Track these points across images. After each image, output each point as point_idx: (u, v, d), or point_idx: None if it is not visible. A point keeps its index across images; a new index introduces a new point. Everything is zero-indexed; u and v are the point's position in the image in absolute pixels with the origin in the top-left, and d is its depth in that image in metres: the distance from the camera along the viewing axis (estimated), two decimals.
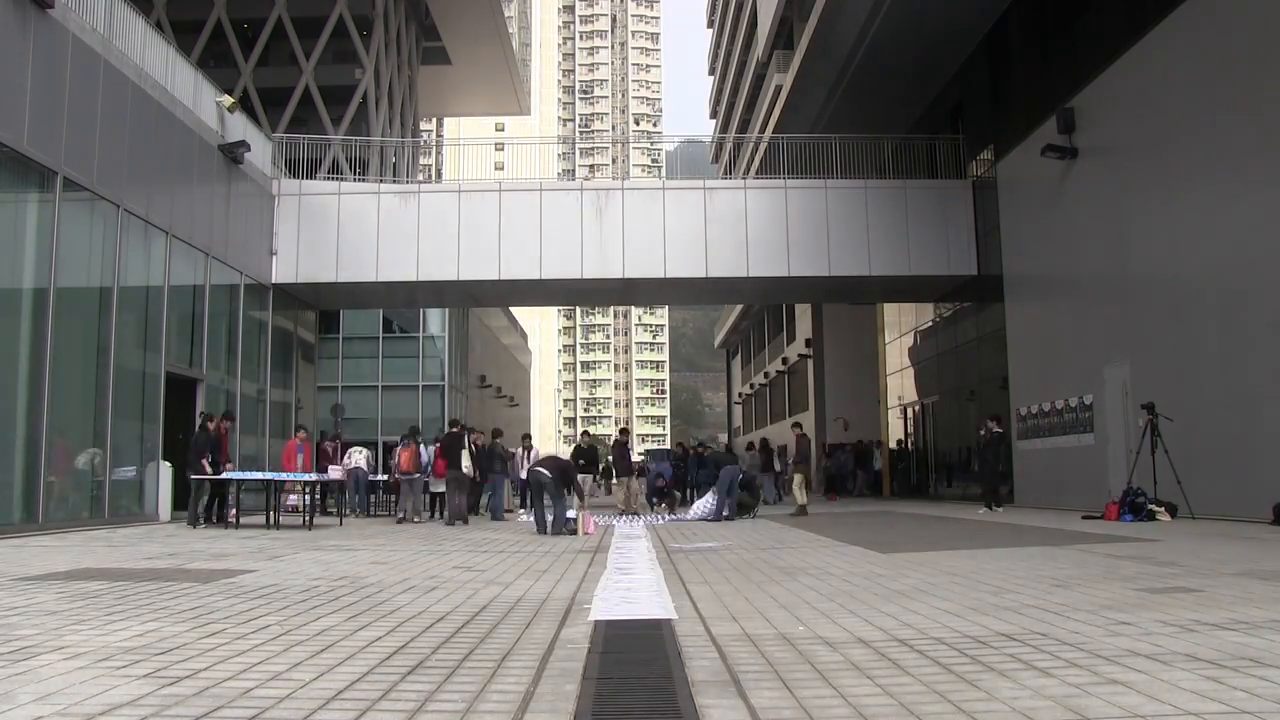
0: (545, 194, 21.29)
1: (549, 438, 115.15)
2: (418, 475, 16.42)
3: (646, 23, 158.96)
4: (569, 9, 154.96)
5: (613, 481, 25.10)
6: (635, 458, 27.35)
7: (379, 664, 3.61)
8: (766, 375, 45.29)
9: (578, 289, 24.51)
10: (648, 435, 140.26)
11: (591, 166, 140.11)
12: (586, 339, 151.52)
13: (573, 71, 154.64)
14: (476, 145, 23.39)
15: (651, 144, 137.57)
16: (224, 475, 13.99)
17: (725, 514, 14.62)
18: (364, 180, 27.75)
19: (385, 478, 19.15)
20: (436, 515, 16.93)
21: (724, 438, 69.69)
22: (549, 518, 12.10)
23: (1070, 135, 16.42)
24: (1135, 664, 3.41)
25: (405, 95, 42.81)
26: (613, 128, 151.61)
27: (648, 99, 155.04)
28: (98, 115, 13.94)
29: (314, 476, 15.49)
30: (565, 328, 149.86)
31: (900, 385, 27.33)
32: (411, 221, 20.71)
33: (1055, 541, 9.25)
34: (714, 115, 55.00)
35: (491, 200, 21.00)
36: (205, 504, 13.76)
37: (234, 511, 14.05)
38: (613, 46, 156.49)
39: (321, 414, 26.82)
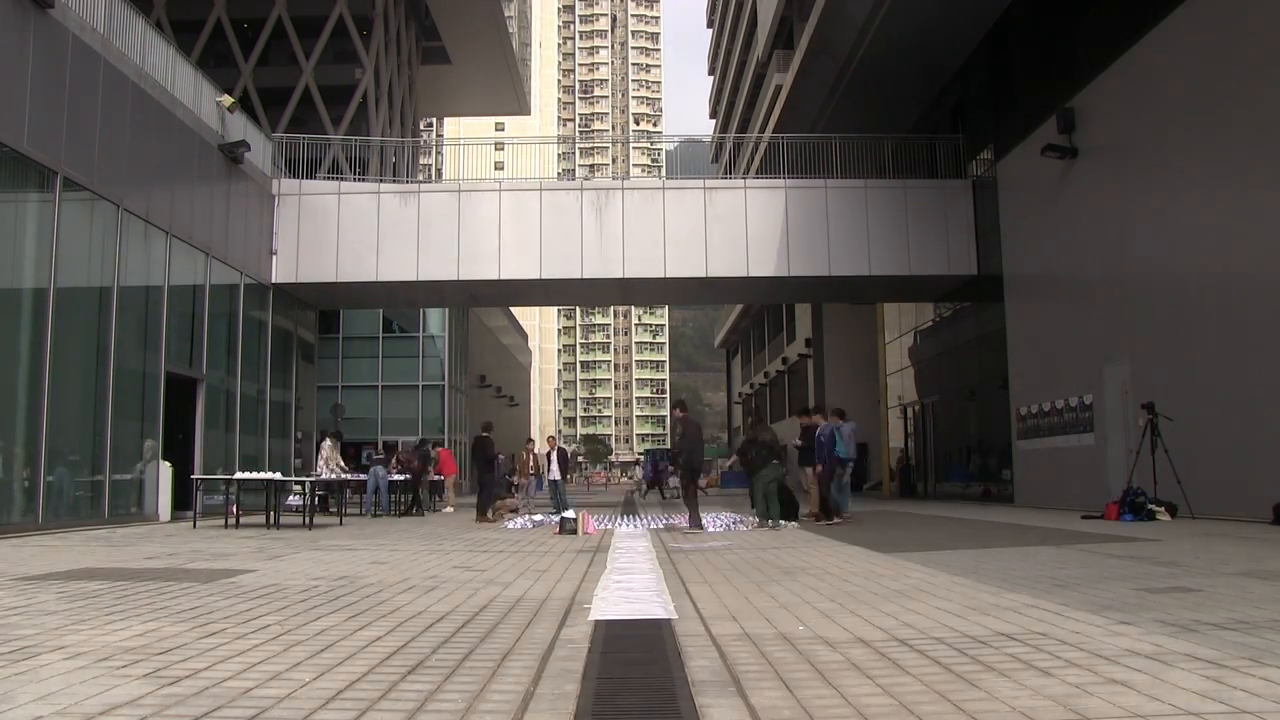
0: (545, 194, 21.29)
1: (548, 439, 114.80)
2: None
3: (646, 23, 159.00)
4: (569, 9, 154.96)
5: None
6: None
7: (379, 664, 3.61)
8: (766, 375, 45.31)
9: (578, 289, 24.50)
10: (648, 435, 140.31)
11: (591, 166, 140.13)
12: (586, 339, 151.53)
13: (573, 71, 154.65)
14: (476, 145, 23.37)
15: (651, 144, 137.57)
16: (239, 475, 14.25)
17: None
18: (364, 180, 27.74)
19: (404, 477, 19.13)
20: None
21: (724, 437, 69.80)
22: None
23: (1070, 135, 16.42)
24: (1135, 664, 3.41)
25: (405, 95, 42.79)
26: (613, 128, 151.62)
27: (648, 99, 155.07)
28: (98, 115, 13.93)
29: (315, 478, 15.50)
30: (565, 328, 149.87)
31: (900, 385, 27.32)
32: (411, 221, 20.70)
33: (1055, 541, 9.25)
34: (714, 115, 55.02)
35: (491, 200, 21.00)
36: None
37: (235, 508, 14.08)
38: (613, 46, 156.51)
39: (321, 414, 26.81)
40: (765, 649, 3.86)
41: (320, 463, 16.56)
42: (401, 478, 18.75)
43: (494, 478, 16.23)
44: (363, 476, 18.03)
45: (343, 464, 17.08)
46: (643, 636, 4.22)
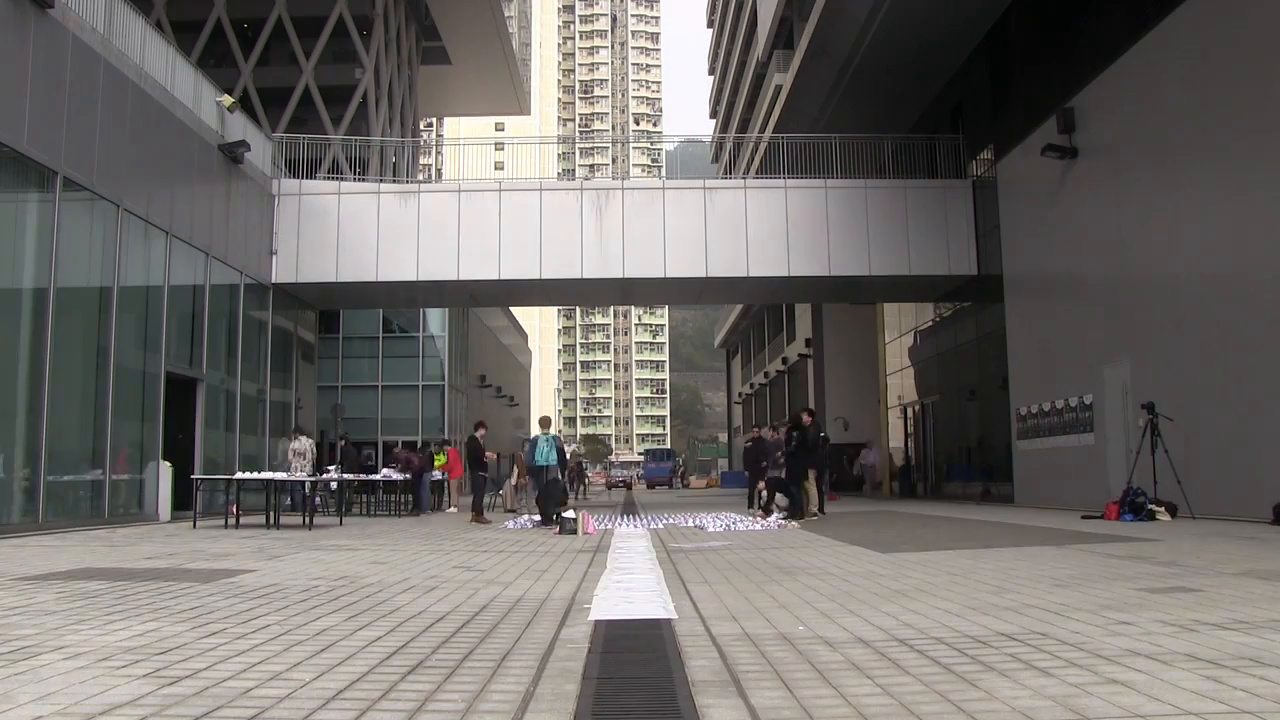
0: (545, 194, 21.29)
1: None
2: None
3: (646, 23, 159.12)
4: (569, 9, 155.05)
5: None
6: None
7: (379, 664, 3.61)
8: (766, 375, 45.29)
9: (578, 289, 24.51)
10: (647, 435, 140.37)
11: (591, 166, 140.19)
12: (586, 339, 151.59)
13: (573, 71, 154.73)
14: (476, 145, 23.36)
15: (651, 144, 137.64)
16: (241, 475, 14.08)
17: None
18: (364, 180, 27.75)
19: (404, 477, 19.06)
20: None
21: (723, 437, 69.85)
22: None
23: (1070, 135, 16.41)
24: (1135, 664, 3.40)
25: (405, 95, 42.80)
26: (613, 128, 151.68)
27: (648, 99, 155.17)
28: (98, 115, 13.94)
29: (311, 477, 15.49)
30: (565, 328, 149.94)
31: (900, 385, 27.32)
32: (411, 221, 20.71)
33: (1055, 541, 9.24)
34: (714, 115, 55.01)
35: (491, 200, 20.99)
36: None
37: (235, 507, 14.08)
38: (613, 46, 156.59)
39: (321, 414, 26.81)
40: (765, 649, 3.86)
41: (293, 460, 16.50)
42: (401, 478, 18.73)
43: (486, 476, 16.35)
44: (362, 477, 18.02)
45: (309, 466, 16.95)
46: (643, 636, 4.22)
